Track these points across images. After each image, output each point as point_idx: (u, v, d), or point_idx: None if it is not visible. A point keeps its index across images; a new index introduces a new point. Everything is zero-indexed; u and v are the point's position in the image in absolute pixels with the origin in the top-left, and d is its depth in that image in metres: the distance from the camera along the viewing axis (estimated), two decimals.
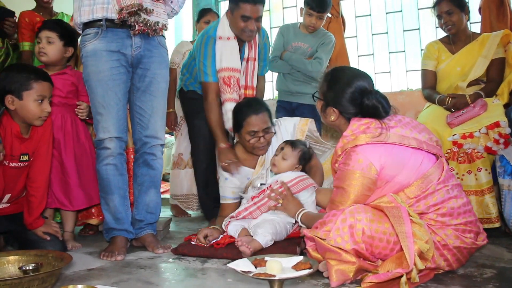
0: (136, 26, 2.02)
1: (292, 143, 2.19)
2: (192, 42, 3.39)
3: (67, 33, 2.32)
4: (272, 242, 1.99)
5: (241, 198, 2.35)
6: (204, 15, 3.35)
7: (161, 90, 2.20)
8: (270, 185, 2.11)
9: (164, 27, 2.13)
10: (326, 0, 2.94)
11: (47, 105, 1.94)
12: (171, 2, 2.19)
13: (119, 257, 1.97)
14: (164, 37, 2.26)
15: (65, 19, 3.07)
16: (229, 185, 2.32)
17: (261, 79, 2.81)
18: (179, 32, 5.84)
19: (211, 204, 2.64)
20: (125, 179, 2.16)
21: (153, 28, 2.07)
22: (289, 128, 2.39)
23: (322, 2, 2.92)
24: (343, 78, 1.75)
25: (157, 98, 2.18)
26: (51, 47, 2.26)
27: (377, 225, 1.50)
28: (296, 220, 1.99)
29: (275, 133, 2.30)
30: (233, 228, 2.08)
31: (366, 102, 1.66)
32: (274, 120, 2.40)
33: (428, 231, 1.52)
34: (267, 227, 2.01)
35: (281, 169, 2.16)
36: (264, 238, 1.96)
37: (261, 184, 2.17)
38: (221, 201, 2.36)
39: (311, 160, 2.31)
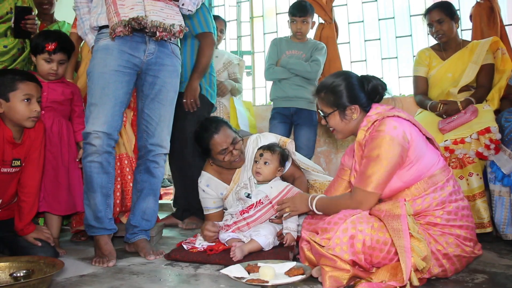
0: (157, 32, 2.01)
1: (268, 148, 2.17)
2: None
3: (72, 51, 2.37)
4: (271, 247, 2.00)
5: (224, 207, 2.37)
6: None
7: (169, 99, 2.19)
8: (260, 200, 2.08)
9: (181, 28, 2.07)
10: (305, 5, 3.09)
11: (35, 105, 1.92)
12: (183, 4, 2.15)
13: (110, 263, 1.95)
14: (178, 46, 2.25)
15: (65, 28, 3.08)
16: (207, 196, 2.33)
17: (202, 36, 2.81)
18: None
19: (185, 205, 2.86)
20: (111, 177, 2.10)
21: (171, 32, 2.03)
22: None
23: (301, 7, 3.07)
24: (338, 79, 1.78)
25: (165, 106, 2.17)
26: (62, 68, 2.29)
27: (378, 235, 1.49)
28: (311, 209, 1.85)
29: (241, 139, 2.28)
30: (224, 236, 2.08)
31: (368, 87, 1.75)
32: (256, 134, 2.40)
33: (429, 239, 1.53)
34: (268, 227, 2.03)
35: (266, 176, 2.14)
36: (266, 240, 1.97)
37: (247, 195, 2.15)
38: (205, 212, 2.38)
39: (295, 172, 2.33)
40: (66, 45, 2.30)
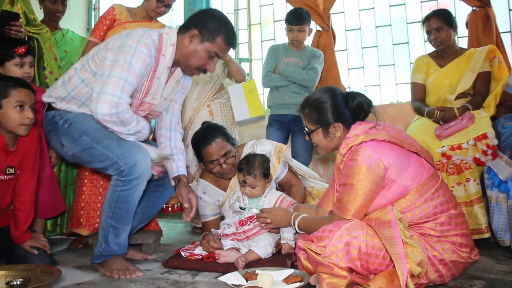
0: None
1: (247, 171, 2.10)
2: None
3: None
4: (271, 255, 2.01)
5: (222, 215, 2.36)
6: None
7: None
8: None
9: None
10: (301, 13, 3.09)
11: (28, 112, 1.91)
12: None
13: (139, 273, 1.91)
14: None
15: (69, 36, 3.13)
16: (204, 203, 2.33)
17: None
18: None
19: None
20: None
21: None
22: (266, 151, 2.31)
23: (298, 15, 3.07)
24: (323, 96, 1.78)
25: None
26: (32, 70, 2.33)
27: (373, 240, 1.49)
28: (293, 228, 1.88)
29: (235, 156, 2.24)
30: (223, 243, 2.08)
31: (352, 104, 1.75)
32: (252, 141, 2.38)
33: (425, 246, 1.53)
34: (267, 239, 2.03)
35: (257, 195, 2.13)
36: (265, 251, 1.98)
37: (241, 207, 2.14)
38: (202, 220, 2.38)
39: (292, 179, 2.33)
40: (32, 47, 2.35)
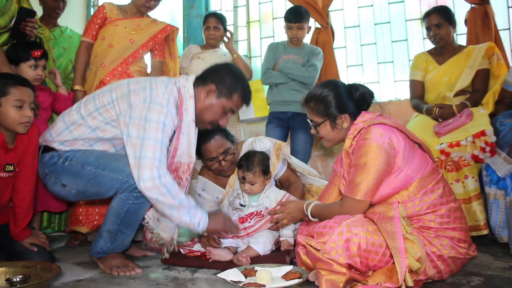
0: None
1: (247, 167, 2.09)
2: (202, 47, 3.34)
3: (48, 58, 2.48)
4: (270, 252, 2.01)
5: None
6: (204, 21, 3.33)
7: None
8: (260, 211, 2.07)
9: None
10: (300, 11, 3.10)
11: (27, 111, 1.91)
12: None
13: (138, 269, 1.92)
14: None
15: (67, 33, 3.13)
16: (203, 200, 2.33)
17: None
18: None
19: None
20: None
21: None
22: (265, 149, 2.31)
23: (297, 13, 3.07)
24: (327, 88, 1.79)
25: None
26: (44, 73, 2.41)
27: (373, 237, 1.50)
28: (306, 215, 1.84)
29: (234, 153, 2.24)
30: (222, 240, 2.08)
31: (356, 95, 1.78)
32: (251, 138, 2.39)
33: (424, 242, 1.54)
34: (267, 236, 2.04)
35: (256, 191, 2.12)
36: (264, 247, 1.99)
37: (241, 204, 2.14)
38: None
39: (291, 176, 2.34)
40: (46, 51, 2.43)
